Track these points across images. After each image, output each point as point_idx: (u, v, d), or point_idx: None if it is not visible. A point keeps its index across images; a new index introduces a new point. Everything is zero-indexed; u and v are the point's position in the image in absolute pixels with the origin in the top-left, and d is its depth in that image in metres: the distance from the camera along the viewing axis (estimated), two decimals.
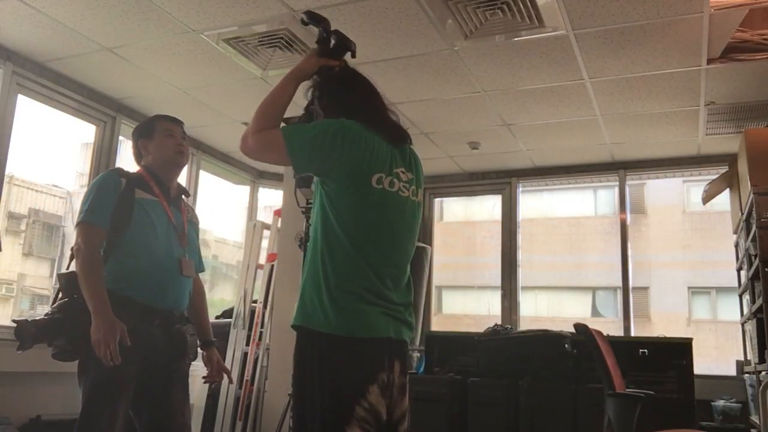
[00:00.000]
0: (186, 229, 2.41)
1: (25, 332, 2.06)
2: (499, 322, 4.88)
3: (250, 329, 4.71)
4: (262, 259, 5.03)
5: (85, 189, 4.56)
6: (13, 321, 2.13)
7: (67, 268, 2.29)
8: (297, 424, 1.63)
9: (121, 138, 4.58)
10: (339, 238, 1.64)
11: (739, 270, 4.68)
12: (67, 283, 2.19)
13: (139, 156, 2.44)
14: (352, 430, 1.51)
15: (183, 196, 2.51)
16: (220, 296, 6.80)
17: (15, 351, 2.09)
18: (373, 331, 1.60)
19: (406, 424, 1.69)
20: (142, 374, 2.17)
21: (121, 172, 2.35)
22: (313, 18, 1.86)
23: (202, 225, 2.70)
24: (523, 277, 5.59)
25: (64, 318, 2.12)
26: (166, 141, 2.39)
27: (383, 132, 1.74)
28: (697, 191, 9.21)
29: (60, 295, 2.21)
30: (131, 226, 2.22)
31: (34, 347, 2.11)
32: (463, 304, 11.50)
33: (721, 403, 4.28)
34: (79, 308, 2.10)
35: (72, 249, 2.23)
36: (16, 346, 2.08)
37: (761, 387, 3.39)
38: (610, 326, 5.99)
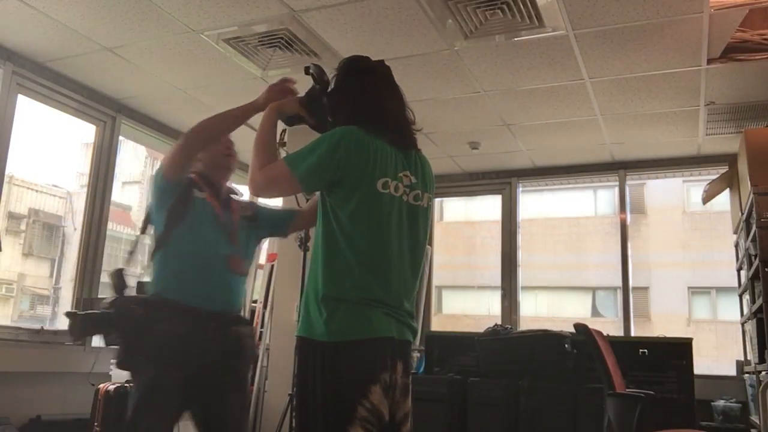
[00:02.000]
0: (236, 228, 2.38)
1: (74, 326, 2.17)
2: (499, 322, 4.88)
3: None
4: (262, 259, 5.03)
5: (85, 189, 4.56)
6: (66, 314, 2.24)
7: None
8: (299, 423, 1.63)
9: (121, 138, 4.58)
10: (341, 247, 1.63)
11: (739, 270, 4.68)
12: (117, 280, 2.20)
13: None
14: (354, 430, 1.51)
15: (233, 196, 2.50)
16: None
17: (72, 342, 2.18)
18: (375, 331, 1.60)
19: (408, 425, 1.69)
20: (194, 379, 2.14)
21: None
22: (321, 75, 1.87)
23: None
24: (523, 277, 5.59)
25: (114, 313, 2.15)
26: (214, 146, 2.41)
27: (387, 135, 1.73)
28: (697, 191, 9.21)
29: (112, 293, 2.26)
30: (182, 224, 2.22)
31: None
32: (463, 304, 11.51)
33: (721, 403, 4.28)
34: (128, 304, 2.13)
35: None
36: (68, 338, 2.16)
37: (761, 387, 3.39)
38: (610, 326, 5.99)
